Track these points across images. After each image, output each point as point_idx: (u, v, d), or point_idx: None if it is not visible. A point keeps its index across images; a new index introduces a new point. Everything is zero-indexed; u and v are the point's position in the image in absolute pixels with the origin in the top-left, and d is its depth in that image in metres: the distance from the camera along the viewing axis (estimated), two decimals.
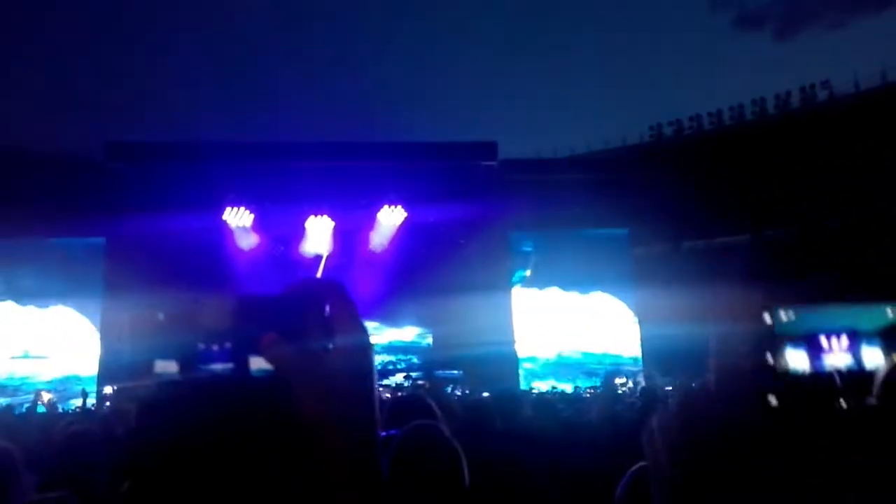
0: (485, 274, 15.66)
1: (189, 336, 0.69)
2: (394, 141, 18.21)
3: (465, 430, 3.14)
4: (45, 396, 8.41)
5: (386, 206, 15.52)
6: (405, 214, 15.57)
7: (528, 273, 16.86)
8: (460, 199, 15.03)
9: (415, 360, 15.97)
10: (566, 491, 2.83)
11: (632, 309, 16.97)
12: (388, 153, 16.60)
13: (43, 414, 7.34)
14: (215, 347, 0.68)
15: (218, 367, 0.68)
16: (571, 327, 16.52)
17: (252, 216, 15.35)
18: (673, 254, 20.74)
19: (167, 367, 0.70)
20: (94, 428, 3.78)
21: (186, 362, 0.69)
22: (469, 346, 14.19)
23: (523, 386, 13.10)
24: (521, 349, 15.91)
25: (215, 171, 14.87)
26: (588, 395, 7.60)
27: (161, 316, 0.70)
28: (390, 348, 16.01)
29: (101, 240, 15.21)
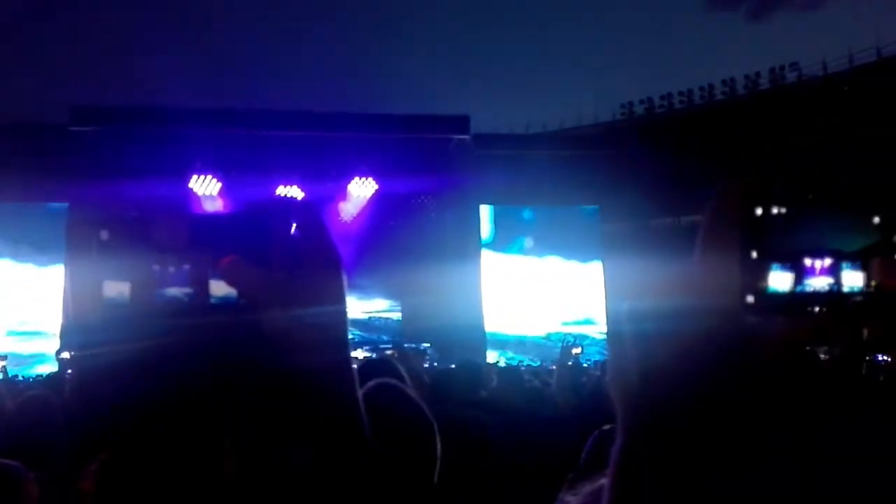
0: (455, 247, 15.68)
1: (140, 256, 0.63)
2: (366, 112, 18.04)
3: (431, 399, 3.16)
4: None
5: (357, 178, 15.39)
6: (376, 186, 15.47)
7: (529, 242, 16.91)
8: (432, 173, 14.99)
9: (383, 332, 15.99)
10: (529, 457, 2.86)
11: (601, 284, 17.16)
12: (359, 124, 16.42)
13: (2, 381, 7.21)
14: (171, 269, 0.62)
15: (175, 290, 0.62)
16: (554, 297, 16.68)
17: (219, 185, 15.11)
18: (642, 231, 20.95)
19: (118, 288, 0.63)
20: (50, 395, 3.71)
21: (139, 285, 0.62)
22: (438, 319, 14.24)
23: (490, 359, 13.19)
24: (490, 323, 16.00)
25: (182, 138, 14.57)
26: (552, 368, 7.68)
27: (104, 234, 0.63)
28: (358, 321, 15.99)
29: (64, 205, 14.90)
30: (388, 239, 15.60)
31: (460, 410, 3.47)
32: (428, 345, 13.18)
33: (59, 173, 14.07)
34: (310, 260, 0.61)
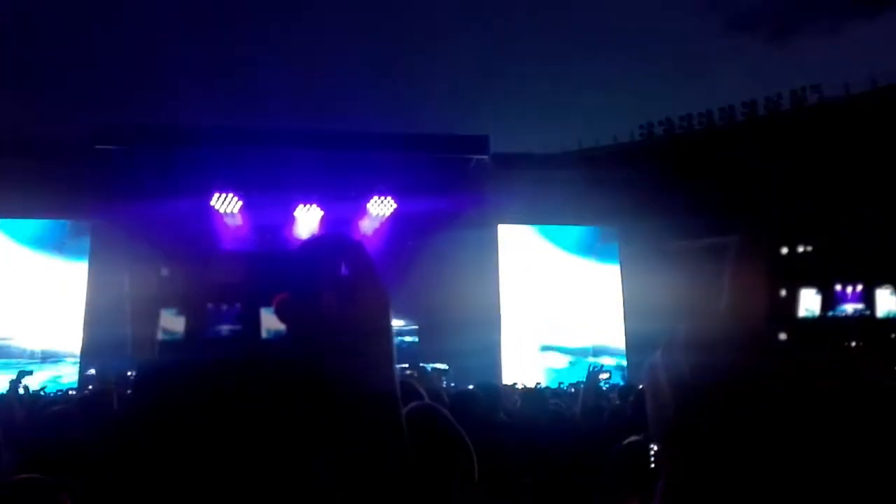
0: (473, 267, 15.66)
1: (196, 295, 0.65)
2: (385, 132, 18.14)
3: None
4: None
5: (375, 197, 15.47)
6: (395, 205, 15.53)
7: None
8: (451, 192, 15.03)
9: (400, 352, 15.95)
10: (549, 479, 2.84)
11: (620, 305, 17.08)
12: (379, 144, 16.52)
13: (27, 395, 7.27)
14: (224, 307, 0.64)
15: (226, 328, 0.64)
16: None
17: (240, 203, 15.25)
18: (659, 253, 20.82)
19: (173, 322, 0.66)
20: (75, 410, 3.74)
21: (194, 321, 0.64)
22: (455, 340, 14.19)
23: (506, 380, 13.11)
24: (507, 341, 15.93)
25: (204, 157, 14.76)
26: (572, 391, 7.62)
27: (164, 271, 0.65)
28: None
29: (87, 223, 15.10)
30: (406, 258, 15.62)
31: (480, 432, 3.45)
32: (445, 366, 13.13)
33: (82, 191, 14.27)
34: (359, 298, 0.63)
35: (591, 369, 4.48)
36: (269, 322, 0.62)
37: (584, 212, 16.07)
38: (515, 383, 10.30)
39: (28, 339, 14.75)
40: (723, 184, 21.95)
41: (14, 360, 13.84)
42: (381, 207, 15.58)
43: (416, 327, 16.31)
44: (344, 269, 0.63)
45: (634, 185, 18.07)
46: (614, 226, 17.31)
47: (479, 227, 15.97)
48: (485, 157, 16.58)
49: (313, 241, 0.64)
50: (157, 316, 0.65)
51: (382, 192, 15.44)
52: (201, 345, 0.63)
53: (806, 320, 0.67)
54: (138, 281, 12.88)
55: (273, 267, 0.64)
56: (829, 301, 0.69)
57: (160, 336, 0.64)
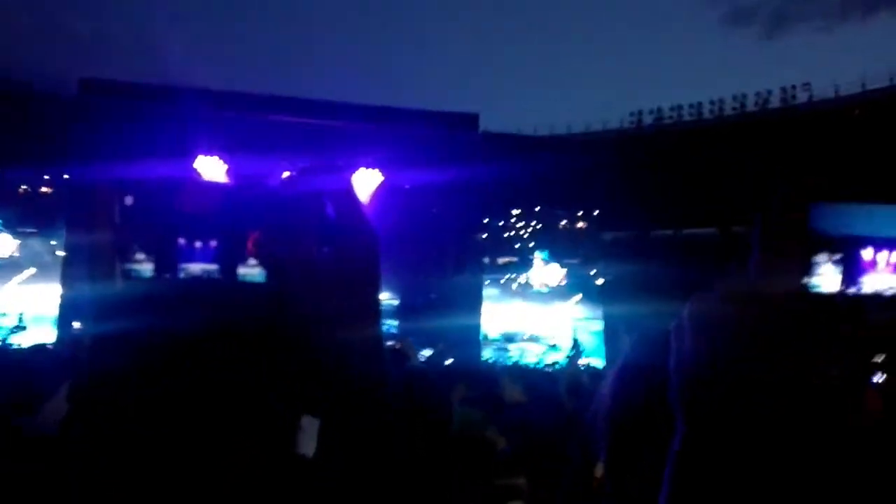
0: (457, 244, 15.65)
1: (165, 228, 0.58)
2: (375, 105, 18.00)
3: None
4: None
5: (363, 168, 15.35)
6: (382, 178, 15.43)
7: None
8: (438, 168, 14.96)
9: (386, 324, 15.99)
10: (530, 453, 2.85)
11: (595, 294, 17.23)
12: (368, 115, 16.38)
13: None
14: (198, 244, 0.58)
15: (198, 267, 0.58)
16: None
17: (225, 166, 15.06)
18: (640, 241, 20.93)
19: (140, 265, 0.59)
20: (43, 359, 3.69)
21: (163, 259, 0.58)
22: (436, 316, 14.23)
23: (486, 357, 13.19)
24: (486, 322, 16.01)
25: (190, 117, 14.52)
26: (549, 371, 7.67)
27: (129, 200, 0.58)
28: None
29: (64, 180, 14.85)
30: (391, 231, 15.54)
31: (460, 407, 3.45)
32: (428, 339, 13.16)
33: (64, 146, 14.01)
34: (344, 239, 0.58)
35: (574, 349, 4.49)
36: (246, 266, 0.56)
37: (568, 195, 16.09)
38: (496, 360, 10.35)
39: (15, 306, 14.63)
40: (710, 176, 22.08)
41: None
42: (368, 179, 15.48)
43: (397, 299, 16.33)
44: (329, 210, 0.58)
45: (620, 172, 18.11)
46: (598, 210, 17.37)
47: (465, 203, 15.95)
48: (474, 134, 16.51)
49: (297, 177, 0.59)
50: (121, 252, 0.59)
51: (370, 164, 15.33)
52: (169, 286, 0.57)
53: (827, 296, 0.65)
54: (101, 217, 12.76)
55: (252, 202, 0.58)
56: (852, 274, 0.66)
57: (123, 278, 0.58)
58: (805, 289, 0.57)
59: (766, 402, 0.58)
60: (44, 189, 15.05)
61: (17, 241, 15.04)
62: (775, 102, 27.66)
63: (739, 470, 0.58)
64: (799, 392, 0.57)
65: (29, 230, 15.02)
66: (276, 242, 0.57)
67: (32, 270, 14.98)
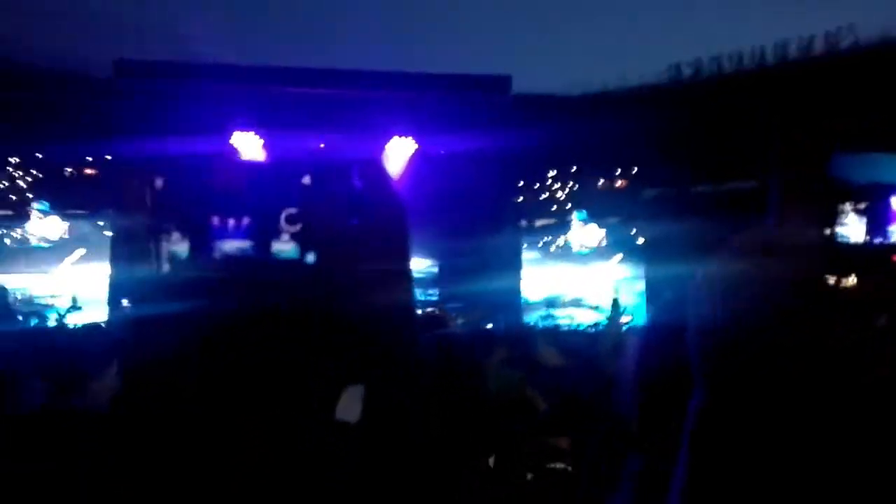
0: (494, 208, 15.61)
1: (197, 208, 0.59)
2: (405, 71, 17.89)
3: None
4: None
5: (396, 137, 15.34)
6: (416, 146, 15.41)
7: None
8: (472, 132, 14.85)
9: (424, 290, 16.11)
10: (569, 413, 2.87)
11: (638, 252, 17.05)
12: (400, 84, 16.32)
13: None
14: (231, 222, 0.60)
15: (234, 245, 0.60)
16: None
17: (262, 141, 15.20)
18: (681, 197, 20.57)
19: (176, 245, 0.61)
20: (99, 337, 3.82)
21: (197, 238, 0.60)
22: (476, 280, 14.27)
23: (527, 321, 13.23)
24: (526, 286, 16.01)
25: (225, 94, 14.65)
26: (592, 331, 7.66)
27: (160, 182, 0.59)
28: None
29: (108, 159, 15.15)
30: (427, 198, 15.55)
31: (499, 369, 3.48)
32: (465, 304, 13.23)
33: (101, 127, 14.26)
34: (375, 213, 0.59)
35: (613, 311, 4.47)
36: (280, 242, 0.58)
37: (606, 154, 15.86)
38: (536, 324, 10.37)
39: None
40: (752, 127, 21.51)
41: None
42: (402, 147, 15.47)
43: (436, 267, 16.40)
44: (357, 182, 0.59)
45: (658, 128, 17.75)
46: (637, 168, 17.10)
47: (500, 167, 15.86)
48: (506, 96, 16.33)
49: (324, 155, 0.60)
50: (154, 232, 0.61)
51: (403, 133, 15.31)
52: (209, 264, 0.59)
53: (852, 246, 0.63)
54: (140, 197, 13.03)
55: (282, 178, 0.59)
56: (879, 225, 0.65)
57: (157, 259, 0.60)
58: (826, 239, 0.55)
59: (788, 367, 0.58)
60: (88, 171, 15.39)
61: (67, 223, 15.45)
62: (819, 48, 26.62)
63: (761, 437, 0.58)
64: (819, 357, 0.57)
65: (77, 212, 15.39)
66: (307, 217, 0.58)
67: (82, 251, 15.41)
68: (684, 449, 0.63)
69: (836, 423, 0.56)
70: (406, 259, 0.62)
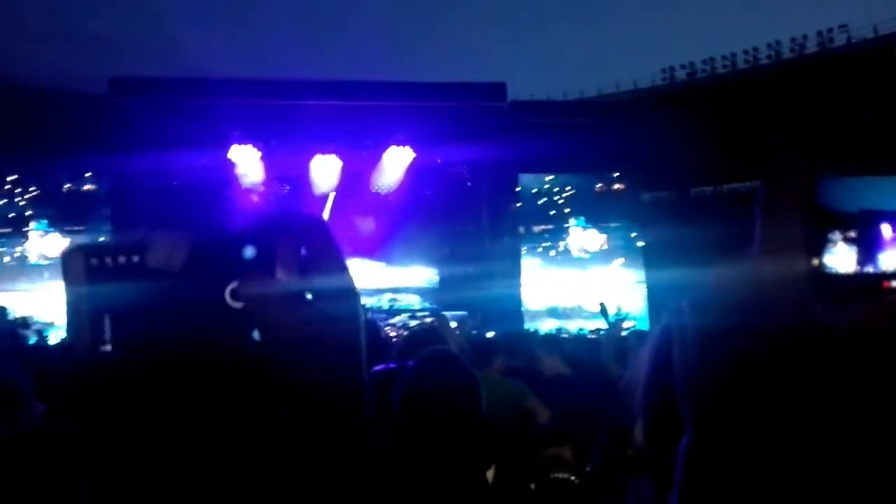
0: (492, 215, 15.61)
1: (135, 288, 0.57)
2: (401, 81, 17.93)
3: (473, 366, 3.14)
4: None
5: (393, 146, 15.36)
6: (413, 155, 15.42)
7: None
8: (469, 140, 14.87)
9: (420, 299, 16.08)
10: (575, 423, 2.85)
11: (639, 256, 17.04)
12: (395, 93, 16.35)
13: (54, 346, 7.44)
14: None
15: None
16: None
17: (258, 154, 15.22)
18: (681, 200, 20.59)
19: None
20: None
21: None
22: (475, 288, 14.25)
23: (528, 327, 13.18)
24: (526, 292, 15.98)
25: (221, 108, 14.68)
26: (593, 337, 7.63)
27: (94, 262, 0.58)
28: (396, 289, 16.09)
29: (104, 175, 15.19)
30: (424, 208, 15.60)
31: (500, 378, 3.47)
32: (464, 313, 13.20)
33: (97, 144, 14.28)
34: (319, 283, 0.57)
35: (616, 317, 4.46)
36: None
37: (603, 159, 15.88)
38: (537, 330, 10.34)
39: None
40: (748, 127, 21.57)
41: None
42: (399, 157, 15.48)
43: (436, 275, 16.39)
44: (304, 251, 0.57)
45: (655, 131, 17.78)
46: (635, 172, 17.10)
47: (497, 175, 15.87)
48: (502, 104, 16.36)
49: (265, 222, 0.58)
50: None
51: (400, 142, 15.33)
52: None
53: (840, 276, 0.62)
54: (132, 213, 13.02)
55: (220, 251, 0.57)
56: (868, 253, 0.64)
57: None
58: (814, 269, 0.54)
59: (776, 408, 0.57)
60: (87, 186, 15.40)
61: (67, 240, 15.45)
62: (812, 47, 26.70)
63: (752, 474, 0.57)
64: (810, 396, 0.56)
65: (76, 227, 15.38)
66: (250, 283, 0.56)
67: None
68: (674, 495, 0.61)
69: (834, 458, 0.55)
70: (357, 334, 0.60)
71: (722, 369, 0.57)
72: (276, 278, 0.54)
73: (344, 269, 0.57)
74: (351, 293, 0.57)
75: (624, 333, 5.65)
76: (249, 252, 0.55)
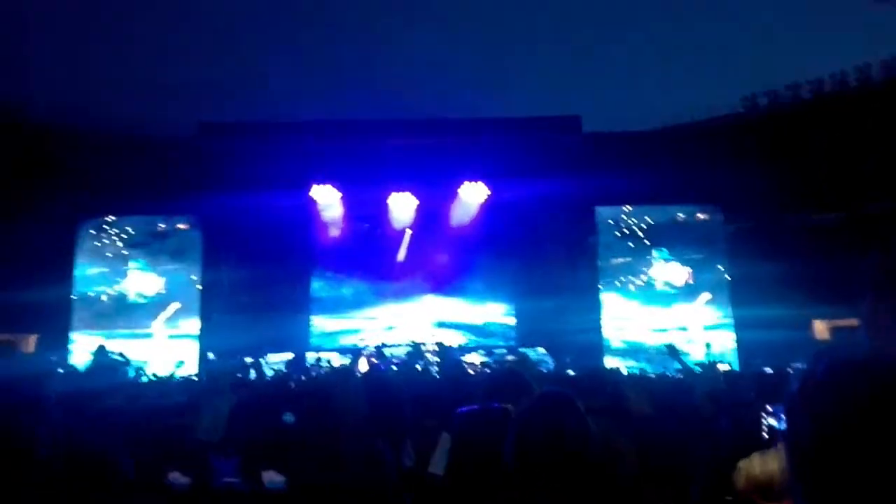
0: (570, 250, 15.45)
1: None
2: (476, 117, 18.10)
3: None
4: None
5: (468, 183, 15.48)
6: (488, 191, 15.50)
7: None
8: (544, 175, 14.83)
9: (498, 337, 15.99)
10: (664, 465, 2.76)
11: (725, 291, 16.42)
12: (470, 129, 16.53)
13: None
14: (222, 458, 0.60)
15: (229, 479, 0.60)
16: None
17: (338, 193, 15.63)
18: (766, 230, 19.85)
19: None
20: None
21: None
22: (553, 324, 14.05)
23: (610, 366, 12.87)
24: (607, 329, 15.64)
25: (302, 150, 15.21)
26: (681, 377, 7.38)
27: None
28: (473, 326, 16.06)
29: (195, 218, 15.88)
30: (501, 243, 15.59)
31: (592, 421, 3.39)
32: (543, 350, 13.04)
33: (186, 187, 14.97)
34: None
35: (709, 361, 4.30)
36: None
37: (683, 189, 15.51)
38: (618, 368, 10.09)
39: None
40: (835, 154, 20.71)
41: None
42: (474, 193, 15.58)
43: (513, 311, 16.28)
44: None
45: (738, 161, 17.27)
46: (717, 203, 16.61)
47: (574, 209, 15.72)
48: (577, 136, 16.29)
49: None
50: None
51: (475, 178, 15.44)
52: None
53: None
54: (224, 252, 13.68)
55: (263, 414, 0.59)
56: None
57: None
58: None
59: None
60: (179, 225, 16.12)
61: (163, 279, 16.10)
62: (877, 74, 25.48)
63: None
64: None
65: (171, 266, 16.03)
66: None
67: (177, 305, 16.00)
68: None
69: None
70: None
71: (831, 463, 0.56)
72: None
73: (382, 463, 0.60)
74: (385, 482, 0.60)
75: (718, 373, 5.45)
76: (289, 418, 0.60)
